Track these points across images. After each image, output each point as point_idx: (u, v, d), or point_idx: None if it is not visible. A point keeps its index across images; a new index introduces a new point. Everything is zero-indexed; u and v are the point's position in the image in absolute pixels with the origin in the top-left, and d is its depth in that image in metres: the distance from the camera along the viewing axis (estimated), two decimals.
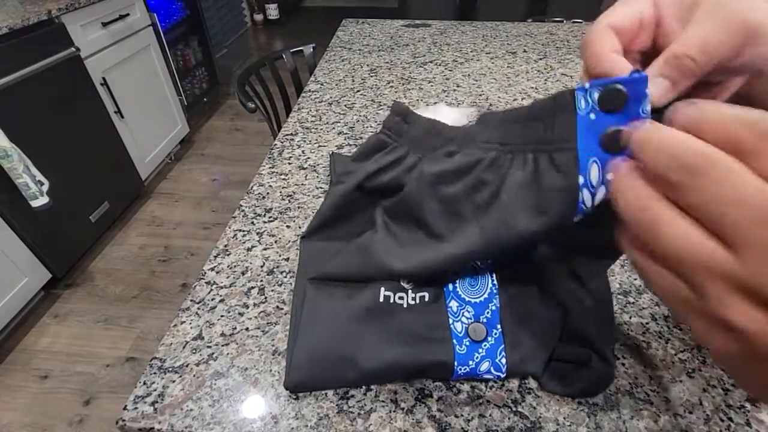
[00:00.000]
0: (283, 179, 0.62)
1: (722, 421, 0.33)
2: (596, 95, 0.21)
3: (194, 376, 0.36)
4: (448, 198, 0.32)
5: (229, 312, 0.42)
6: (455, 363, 0.33)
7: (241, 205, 0.56)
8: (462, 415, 0.34)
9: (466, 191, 0.31)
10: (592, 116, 0.21)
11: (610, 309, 0.35)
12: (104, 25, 1.65)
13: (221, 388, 0.35)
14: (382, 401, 0.35)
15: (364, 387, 0.35)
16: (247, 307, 0.42)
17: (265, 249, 0.49)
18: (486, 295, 0.36)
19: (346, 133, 0.73)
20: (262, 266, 0.47)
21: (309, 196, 0.58)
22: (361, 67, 1.02)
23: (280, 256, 0.48)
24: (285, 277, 0.46)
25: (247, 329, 0.40)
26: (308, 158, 0.66)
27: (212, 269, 0.47)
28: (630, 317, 0.41)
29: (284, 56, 1.29)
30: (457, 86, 0.91)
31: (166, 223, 1.86)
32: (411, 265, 0.35)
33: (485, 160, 0.30)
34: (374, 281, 0.37)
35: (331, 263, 0.39)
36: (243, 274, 0.46)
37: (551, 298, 0.36)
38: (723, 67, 0.20)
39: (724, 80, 0.22)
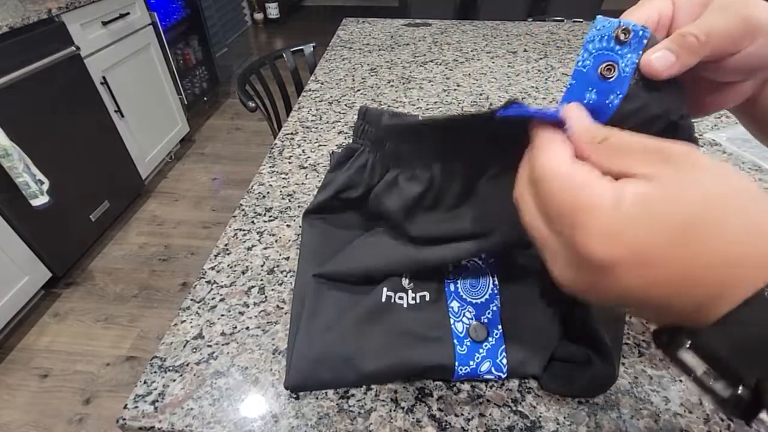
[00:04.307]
0: (284, 178, 0.62)
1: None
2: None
3: (194, 375, 0.36)
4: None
5: (229, 311, 0.42)
6: (456, 363, 0.33)
7: (242, 205, 0.56)
8: (462, 415, 0.34)
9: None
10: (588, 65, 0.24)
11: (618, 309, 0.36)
12: (104, 24, 1.65)
13: (222, 387, 0.35)
14: (383, 400, 0.35)
15: (364, 386, 0.35)
16: (248, 306, 0.42)
17: (265, 248, 0.49)
18: (487, 296, 0.36)
19: (347, 133, 0.73)
20: (262, 265, 0.47)
21: (309, 195, 0.58)
22: (362, 66, 1.02)
23: (280, 255, 0.48)
24: (285, 276, 0.46)
25: (247, 328, 0.40)
26: (308, 157, 0.66)
27: (212, 268, 0.47)
28: (630, 317, 0.41)
29: (284, 55, 1.29)
30: (458, 85, 0.91)
31: (167, 222, 1.86)
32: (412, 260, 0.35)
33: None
34: (376, 280, 0.37)
35: (331, 262, 0.39)
36: (243, 273, 0.46)
37: (552, 298, 0.36)
38: (723, 57, 0.22)
39: (731, 83, 0.24)
